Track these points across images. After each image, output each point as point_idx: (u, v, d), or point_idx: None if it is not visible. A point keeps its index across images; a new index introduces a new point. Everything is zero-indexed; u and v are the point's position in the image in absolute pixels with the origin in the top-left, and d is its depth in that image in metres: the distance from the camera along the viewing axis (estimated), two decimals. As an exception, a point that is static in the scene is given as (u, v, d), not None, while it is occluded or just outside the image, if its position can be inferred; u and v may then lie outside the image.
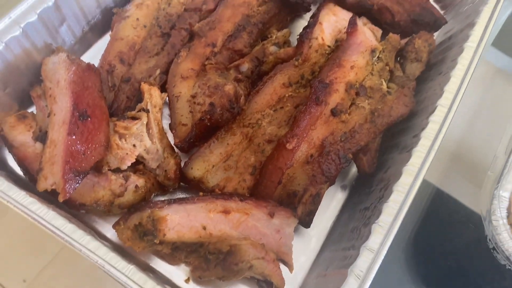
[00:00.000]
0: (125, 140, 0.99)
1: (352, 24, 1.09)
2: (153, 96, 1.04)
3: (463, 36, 1.13)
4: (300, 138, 0.99)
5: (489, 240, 1.01)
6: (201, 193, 0.98)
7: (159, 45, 1.16)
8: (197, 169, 1.01)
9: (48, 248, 1.12)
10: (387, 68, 1.09)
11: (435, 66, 1.16)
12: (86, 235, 0.82)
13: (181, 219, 0.92)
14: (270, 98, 1.10)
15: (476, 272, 1.11)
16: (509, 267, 1.00)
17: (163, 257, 0.98)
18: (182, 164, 1.03)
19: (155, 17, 1.18)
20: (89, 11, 1.18)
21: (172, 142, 1.07)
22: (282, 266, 0.93)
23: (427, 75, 1.15)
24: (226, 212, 0.94)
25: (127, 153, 0.98)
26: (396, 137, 1.09)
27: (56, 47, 1.10)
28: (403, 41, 1.15)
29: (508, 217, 0.96)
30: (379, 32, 1.18)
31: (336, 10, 1.22)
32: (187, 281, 0.97)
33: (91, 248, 0.80)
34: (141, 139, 1.00)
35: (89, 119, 0.93)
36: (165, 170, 1.00)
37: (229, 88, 1.06)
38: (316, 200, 0.99)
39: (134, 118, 1.02)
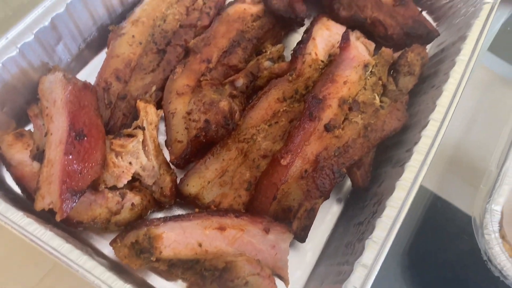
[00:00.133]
0: (121, 158, 1.00)
1: (344, 39, 1.11)
2: (149, 113, 1.05)
3: (455, 49, 1.14)
4: (294, 154, 1.00)
5: (483, 252, 1.02)
6: (196, 210, 1.00)
7: (154, 61, 1.17)
8: (193, 186, 1.02)
9: (49, 256, 1.12)
10: (380, 82, 1.11)
11: (428, 79, 1.17)
12: (83, 255, 0.83)
13: (177, 237, 0.93)
14: (265, 113, 1.11)
15: (471, 284, 1.12)
16: (503, 279, 1.01)
17: (160, 273, 0.99)
18: (178, 181, 1.04)
19: (151, 34, 1.19)
20: (85, 28, 1.19)
21: (168, 159, 1.08)
22: (278, 281, 0.94)
23: (420, 88, 1.17)
24: (221, 228, 0.95)
25: (123, 171, 0.99)
26: (389, 150, 1.11)
27: (52, 66, 1.11)
28: (396, 55, 1.17)
29: (500, 230, 0.97)
30: (372, 45, 1.19)
31: (329, 24, 1.23)
32: (184, 297, 0.98)
33: (88, 268, 0.81)
34: (137, 157, 1.01)
35: (85, 138, 0.94)
36: (161, 187, 1.01)
37: (224, 104, 1.08)
38: (311, 215, 1.00)
39: (130, 135, 1.03)
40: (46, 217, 0.92)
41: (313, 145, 1.00)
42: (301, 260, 1.05)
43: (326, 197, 1.02)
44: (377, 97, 1.08)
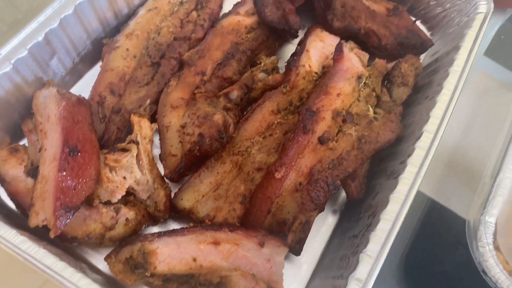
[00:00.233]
0: (116, 172, 1.00)
1: (338, 51, 1.11)
2: (143, 127, 1.05)
3: (449, 60, 1.14)
4: (289, 167, 1.00)
5: (477, 264, 1.02)
6: (191, 224, 0.99)
7: (149, 75, 1.17)
8: (187, 200, 1.02)
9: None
10: (374, 93, 1.11)
11: (422, 90, 1.17)
12: (77, 272, 0.83)
13: (171, 252, 0.93)
14: (259, 125, 1.12)
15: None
16: (498, 291, 1.01)
17: (154, 288, 0.99)
18: (173, 195, 1.04)
19: (145, 47, 1.20)
20: (79, 42, 1.20)
21: (162, 173, 1.08)
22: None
23: (414, 99, 1.17)
24: (216, 243, 0.94)
25: (117, 186, 0.99)
26: (384, 162, 1.11)
27: (46, 80, 1.11)
28: (390, 65, 1.17)
29: (494, 242, 0.97)
30: (366, 56, 1.19)
31: (323, 35, 1.23)
32: (179, 311, 0.98)
33: (82, 286, 0.81)
34: (131, 171, 1.01)
35: (79, 154, 0.94)
36: (155, 202, 1.01)
37: (218, 117, 1.08)
38: (306, 228, 1.00)
39: (124, 150, 1.03)
40: (41, 233, 0.91)
41: (307, 158, 1.01)
42: (296, 273, 1.05)
43: (321, 210, 1.02)
44: (370, 109, 1.08)
